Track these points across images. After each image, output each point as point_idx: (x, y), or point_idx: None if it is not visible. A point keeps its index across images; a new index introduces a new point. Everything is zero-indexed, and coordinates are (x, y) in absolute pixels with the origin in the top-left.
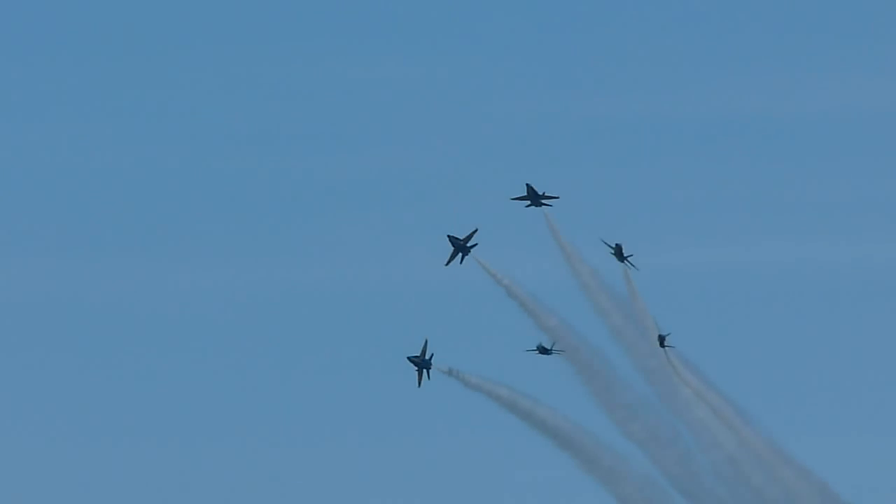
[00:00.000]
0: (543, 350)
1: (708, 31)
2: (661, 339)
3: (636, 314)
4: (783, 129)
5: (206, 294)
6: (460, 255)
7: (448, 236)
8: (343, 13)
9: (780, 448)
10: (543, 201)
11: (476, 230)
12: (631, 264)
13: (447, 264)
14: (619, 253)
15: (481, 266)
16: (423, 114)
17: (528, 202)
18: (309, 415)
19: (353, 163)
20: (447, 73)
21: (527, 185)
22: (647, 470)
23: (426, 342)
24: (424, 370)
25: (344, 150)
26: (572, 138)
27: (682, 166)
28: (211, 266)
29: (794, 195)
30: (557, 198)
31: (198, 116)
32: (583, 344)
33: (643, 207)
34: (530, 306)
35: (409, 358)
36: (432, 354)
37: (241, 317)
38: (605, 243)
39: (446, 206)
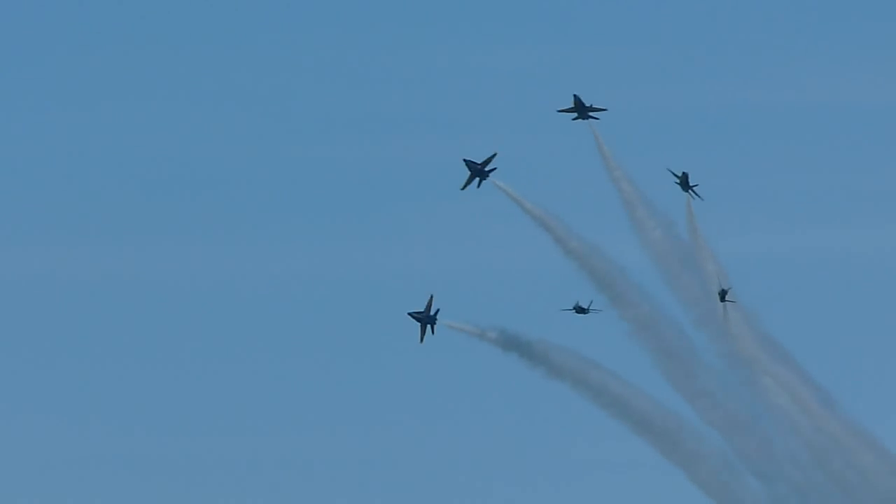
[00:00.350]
0: (580, 310)
1: (794, 19)
2: (723, 294)
3: (695, 252)
4: (865, 118)
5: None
6: (477, 179)
7: (464, 160)
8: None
9: (849, 424)
10: (591, 114)
11: (495, 154)
12: (696, 194)
13: (463, 188)
14: (684, 182)
15: (503, 191)
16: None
17: (576, 115)
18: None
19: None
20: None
21: (574, 95)
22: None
23: (431, 298)
24: (429, 325)
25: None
26: (667, 126)
27: (763, 152)
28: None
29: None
30: (605, 110)
31: (299, 101)
32: (627, 286)
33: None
34: (566, 239)
35: (410, 314)
36: (438, 310)
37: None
38: (671, 171)
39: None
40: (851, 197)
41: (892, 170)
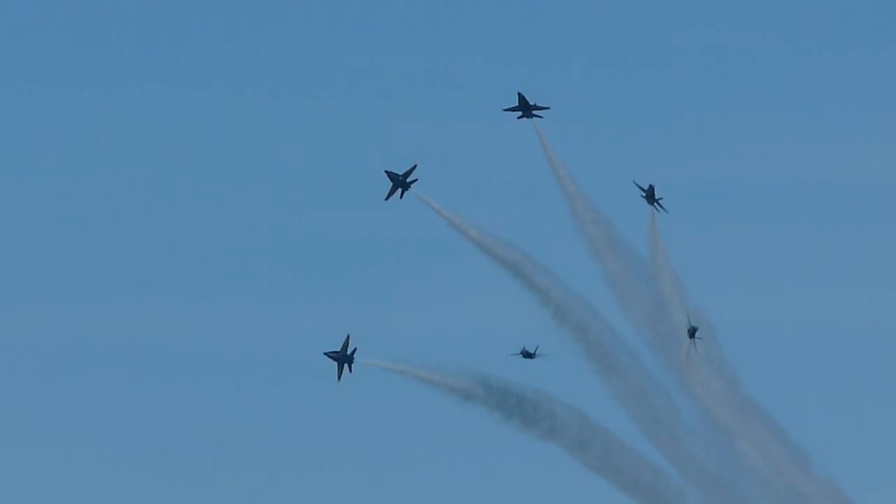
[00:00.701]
0: (528, 354)
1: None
2: (692, 331)
3: (654, 268)
4: (842, 193)
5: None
6: (399, 190)
7: (386, 171)
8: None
9: (821, 482)
10: (535, 112)
11: (415, 166)
12: (660, 206)
13: (386, 199)
14: (650, 195)
15: (424, 202)
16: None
17: (520, 113)
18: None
19: None
20: None
21: (518, 93)
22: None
23: (348, 337)
24: (346, 364)
25: None
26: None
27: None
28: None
29: (867, 254)
30: (548, 108)
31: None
32: (581, 311)
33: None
34: (503, 257)
35: (326, 353)
36: (355, 349)
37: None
38: (637, 185)
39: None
40: (832, 268)
41: (871, 243)
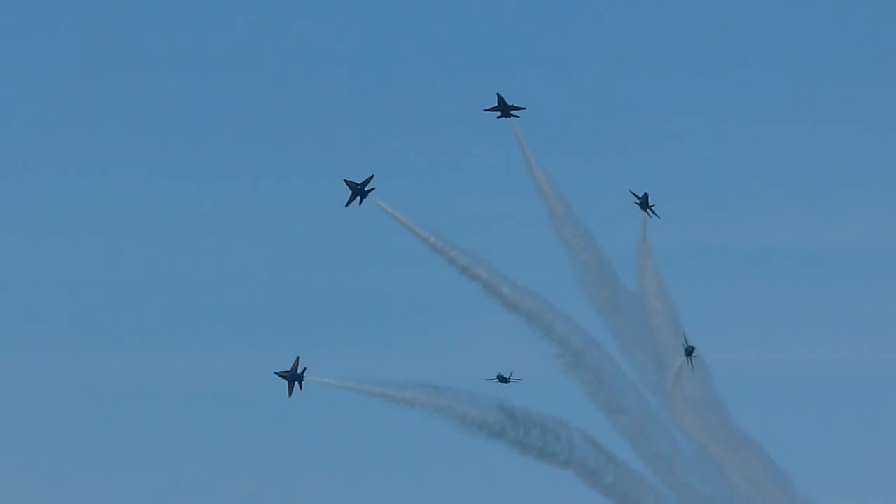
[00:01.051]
0: (503, 379)
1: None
2: (690, 350)
3: (641, 274)
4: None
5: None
6: (358, 197)
7: (345, 180)
8: None
9: None
10: (512, 112)
11: (373, 175)
12: (653, 213)
13: (347, 205)
14: (644, 202)
15: (383, 209)
16: None
17: (499, 113)
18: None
19: None
20: None
21: (497, 94)
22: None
23: (297, 359)
24: (296, 382)
25: None
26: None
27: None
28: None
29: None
30: (524, 108)
31: None
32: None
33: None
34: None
35: (276, 373)
36: (305, 369)
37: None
38: (632, 192)
39: None
40: (813, 317)
41: (846, 297)
